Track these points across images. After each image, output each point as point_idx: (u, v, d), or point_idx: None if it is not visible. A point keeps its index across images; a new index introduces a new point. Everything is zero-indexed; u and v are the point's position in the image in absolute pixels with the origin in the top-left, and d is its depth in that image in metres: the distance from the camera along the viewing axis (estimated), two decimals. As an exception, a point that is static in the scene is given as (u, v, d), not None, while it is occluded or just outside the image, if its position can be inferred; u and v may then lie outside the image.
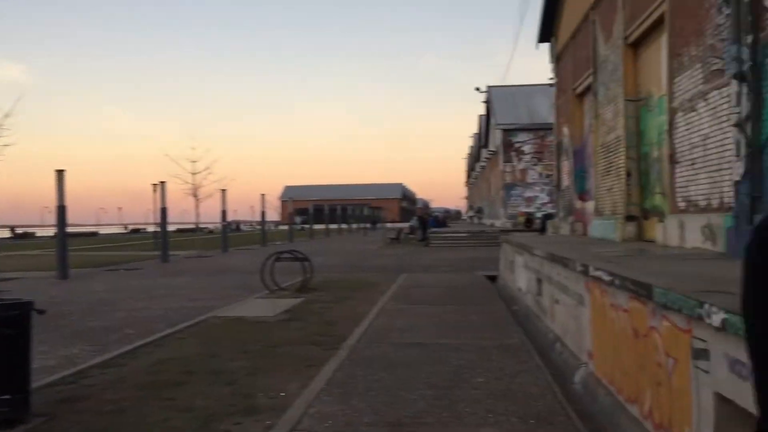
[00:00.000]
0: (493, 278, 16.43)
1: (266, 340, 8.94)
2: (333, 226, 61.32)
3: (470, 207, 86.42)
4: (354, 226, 68.42)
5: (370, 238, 47.17)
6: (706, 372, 3.61)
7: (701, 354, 3.66)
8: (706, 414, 3.64)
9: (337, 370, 6.99)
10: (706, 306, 3.48)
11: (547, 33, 19.89)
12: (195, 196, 33.62)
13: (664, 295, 4.27)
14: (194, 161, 32.08)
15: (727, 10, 7.51)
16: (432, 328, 9.43)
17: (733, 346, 3.24)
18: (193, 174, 33.51)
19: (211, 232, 62.83)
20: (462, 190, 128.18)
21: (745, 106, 7.03)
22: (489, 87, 47.04)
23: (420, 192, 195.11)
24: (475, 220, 65.63)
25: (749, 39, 6.99)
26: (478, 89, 47.44)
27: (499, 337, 8.74)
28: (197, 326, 10.29)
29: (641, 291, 4.93)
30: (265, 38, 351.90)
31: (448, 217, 61.42)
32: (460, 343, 8.27)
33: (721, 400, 3.46)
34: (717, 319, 3.34)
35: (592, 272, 6.42)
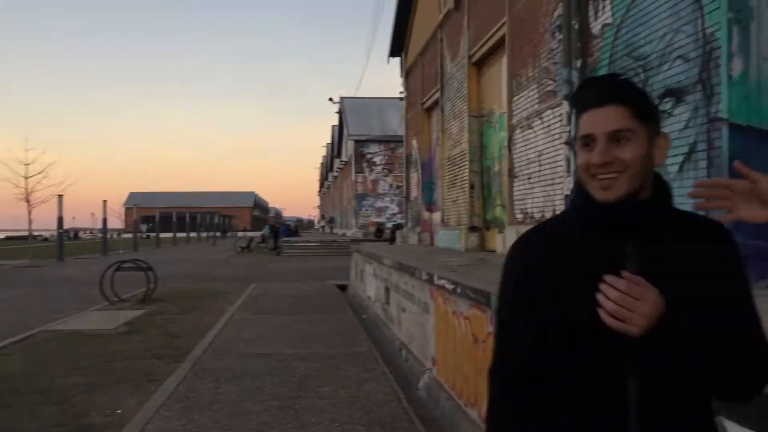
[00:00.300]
0: (343, 287, 16.55)
1: (103, 354, 8.44)
2: (181, 235, 59.18)
3: (323, 216, 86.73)
4: (204, 234, 66.41)
5: (220, 247, 45.99)
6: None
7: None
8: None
9: (180, 384, 6.72)
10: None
11: (398, 48, 20.43)
12: (27, 201, 30.95)
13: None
14: (27, 164, 29.61)
15: (559, 36, 8.07)
16: (280, 338, 9.33)
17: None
18: (26, 178, 30.87)
19: (46, 239, 58.47)
20: (315, 200, 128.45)
21: (575, 126, 7.56)
22: (342, 98, 47.54)
23: (273, 201, 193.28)
24: (327, 230, 65.93)
25: (578, 63, 7.54)
26: (331, 100, 47.75)
27: (347, 345, 8.79)
28: (25, 342, 9.51)
29: (480, 299, 5.15)
30: (115, 41, 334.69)
31: (300, 227, 61.24)
32: (308, 353, 8.24)
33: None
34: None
35: (437, 281, 6.64)
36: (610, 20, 7.04)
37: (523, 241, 1.51)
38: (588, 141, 1.37)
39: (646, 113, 1.38)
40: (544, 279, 1.41)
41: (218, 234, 68.47)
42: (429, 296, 7.13)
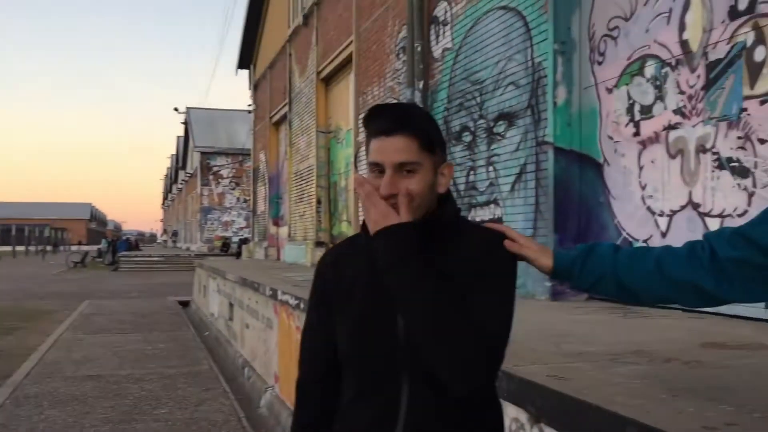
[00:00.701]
0: (186, 304, 15.95)
1: None
2: (5, 249, 54.51)
3: (165, 230, 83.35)
4: (32, 248, 61.55)
5: (50, 262, 42.80)
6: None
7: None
8: None
9: (-4, 412, 6.15)
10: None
11: (246, 60, 20.16)
12: None
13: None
14: None
15: (403, 57, 8.32)
16: (113, 359, 8.81)
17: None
18: None
19: None
20: (159, 213, 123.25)
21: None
22: (188, 108, 46.08)
23: (112, 213, 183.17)
24: (170, 244, 63.42)
25: (421, 84, 7.82)
26: (176, 110, 46.11)
27: (186, 364, 8.47)
28: None
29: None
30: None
31: (141, 240, 58.46)
32: (144, 373, 7.84)
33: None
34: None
35: (281, 296, 6.57)
36: (450, 45, 7.36)
37: (328, 252, 1.63)
38: (380, 168, 1.40)
39: (433, 144, 1.42)
40: (335, 286, 1.51)
41: (49, 248, 63.71)
42: (273, 312, 7.04)
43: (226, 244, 33.98)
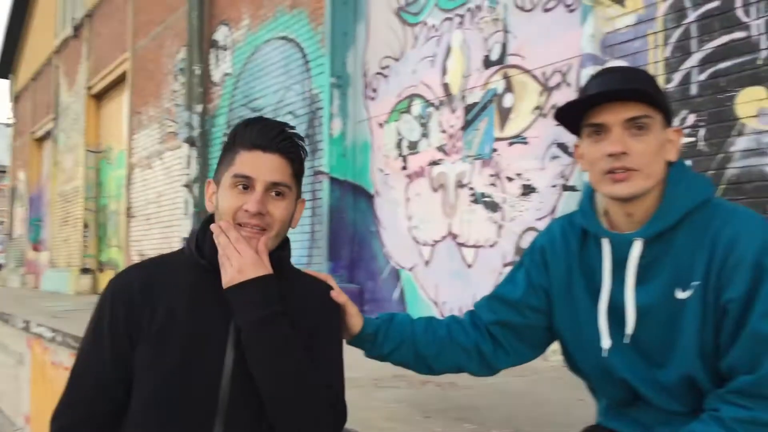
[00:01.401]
0: None
1: None
2: None
3: None
4: None
5: None
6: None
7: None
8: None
9: None
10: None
11: (5, 68, 18.36)
12: None
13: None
14: None
15: (182, 79, 8.10)
16: None
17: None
18: None
19: None
20: None
21: (194, 169, 7.62)
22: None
23: None
24: None
25: (200, 108, 7.64)
26: None
27: None
28: None
29: (82, 347, 4.79)
30: None
31: None
32: None
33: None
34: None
35: (35, 329, 6.00)
36: (230, 70, 7.30)
37: (133, 275, 1.38)
38: (246, 183, 1.30)
39: (301, 174, 1.39)
40: (147, 318, 1.31)
41: None
42: (25, 346, 6.40)
43: (-25, 271, 30.36)
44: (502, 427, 2.19)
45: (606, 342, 1.29)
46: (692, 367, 1.20)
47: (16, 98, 18.03)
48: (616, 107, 1.21)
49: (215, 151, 7.56)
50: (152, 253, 8.81)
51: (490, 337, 1.48)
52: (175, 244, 8.14)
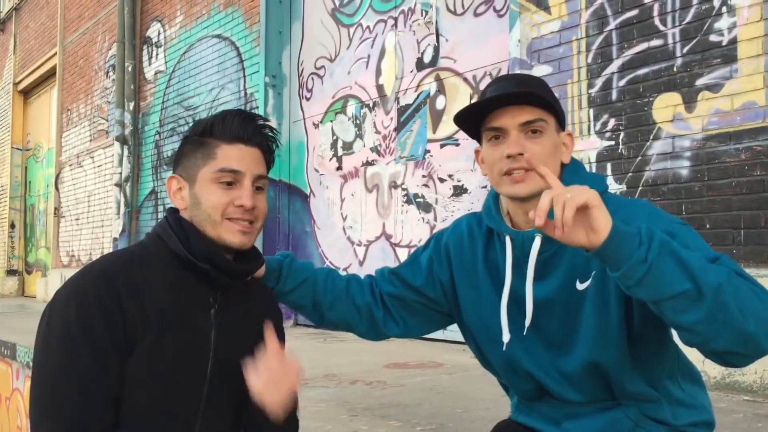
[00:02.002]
0: None
1: None
2: None
3: None
4: None
5: None
6: None
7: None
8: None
9: None
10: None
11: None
12: None
13: (29, 354, 4.11)
14: None
15: (113, 76, 7.91)
16: None
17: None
18: None
19: None
20: None
21: (126, 168, 7.46)
22: None
23: None
24: None
25: (132, 105, 7.48)
26: None
27: None
28: None
29: (5, 351, 4.65)
30: None
31: None
32: None
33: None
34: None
35: (-45, 333, 5.77)
36: (163, 68, 7.17)
37: (113, 281, 1.23)
38: (233, 178, 1.28)
39: (272, 165, 1.38)
40: (139, 324, 1.22)
41: None
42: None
43: None
44: (426, 423, 2.23)
45: (506, 336, 1.33)
46: (595, 352, 1.24)
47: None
48: (513, 111, 1.26)
49: (148, 150, 7.42)
50: (82, 254, 8.58)
51: (383, 306, 1.52)
52: (107, 245, 7.95)
